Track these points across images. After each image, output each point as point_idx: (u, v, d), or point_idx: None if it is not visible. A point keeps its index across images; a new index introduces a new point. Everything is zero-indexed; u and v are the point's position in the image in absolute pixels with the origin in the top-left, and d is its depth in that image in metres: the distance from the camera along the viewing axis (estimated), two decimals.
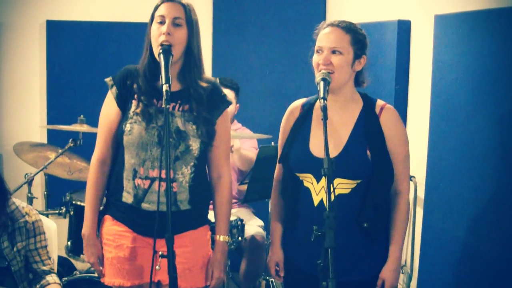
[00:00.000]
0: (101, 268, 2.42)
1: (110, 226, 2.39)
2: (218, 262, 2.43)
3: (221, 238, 2.44)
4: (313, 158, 2.29)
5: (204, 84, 2.35)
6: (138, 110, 2.30)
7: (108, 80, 2.39)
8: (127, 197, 2.34)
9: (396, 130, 2.34)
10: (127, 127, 2.30)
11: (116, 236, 2.36)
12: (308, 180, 2.32)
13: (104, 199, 2.46)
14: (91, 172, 2.40)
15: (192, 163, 2.33)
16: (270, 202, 2.57)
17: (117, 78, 2.37)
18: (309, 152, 2.32)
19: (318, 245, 2.00)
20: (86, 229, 2.40)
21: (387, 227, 2.37)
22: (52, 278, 2.61)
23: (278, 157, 2.48)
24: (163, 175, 2.22)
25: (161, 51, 2.21)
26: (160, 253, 2.11)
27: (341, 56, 2.26)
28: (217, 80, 2.48)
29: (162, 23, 2.26)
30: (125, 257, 2.34)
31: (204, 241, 2.44)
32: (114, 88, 2.36)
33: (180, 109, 2.34)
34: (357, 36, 2.30)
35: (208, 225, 2.48)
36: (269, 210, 2.57)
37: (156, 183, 2.29)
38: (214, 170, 2.44)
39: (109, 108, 2.38)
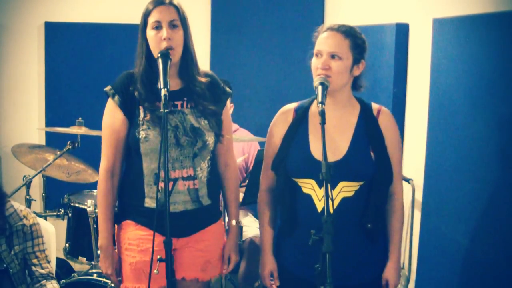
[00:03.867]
0: (118, 278, 2.43)
1: (133, 231, 2.38)
2: (235, 246, 2.53)
3: (234, 222, 2.54)
4: (315, 163, 2.27)
5: (203, 79, 2.38)
6: (147, 118, 2.31)
7: (108, 89, 2.37)
8: (150, 203, 2.34)
9: (393, 132, 2.38)
10: (142, 134, 2.30)
11: (140, 240, 2.36)
12: (308, 186, 2.31)
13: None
14: (101, 183, 2.39)
15: (208, 157, 2.40)
16: (258, 210, 2.55)
17: (118, 86, 2.36)
18: (311, 157, 2.31)
19: (319, 251, 2.00)
20: (104, 240, 2.39)
21: (385, 228, 2.41)
22: (52, 286, 2.60)
23: (267, 164, 2.46)
24: (185, 174, 2.33)
25: (159, 55, 2.22)
26: (158, 257, 2.11)
27: (341, 61, 2.25)
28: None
29: (158, 28, 2.27)
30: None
31: (222, 233, 2.54)
32: (117, 97, 2.34)
33: (188, 106, 2.36)
34: (357, 41, 2.29)
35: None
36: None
37: (179, 183, 2.34)
38: (221, 161, 2.50)
39: (114, 117, 2.36)
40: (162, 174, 2.28)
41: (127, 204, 2.42)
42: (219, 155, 2.49)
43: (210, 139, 2.36)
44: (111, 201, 2.40)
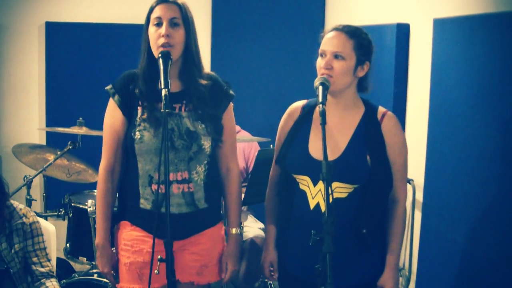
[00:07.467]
0: (113, 278, 2.43)
1: (129, 231, 2.38)
2: (233, 254, 2.48)
3: (234, 230, 2.50)
4: (312, 161, 2.29)
5: (204, 82, 2.36)
6: (144, 117, 2.31)
7: (109, 88, 2.38)
8: (145, 204, 2.34)
9: (396, 138, 2.34)
10: (137, 135, 2.30)
11: (135, 241, 2.36)
12: (304, 183, 2.32)
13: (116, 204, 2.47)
14: (100, 182, 2.40)
15: (205, 161, 2.36)
16: (265, 202, 2.56)
17: (118, 85, 2.36)
18: (308, 154, 2.32)
19: (311, 250, 2.00)
20: (100, 239, 2.40)
21: (383, 234, 2.37)
22: (52, 284, 2.60)
23: (275, 157, 2.48)
24: (179, 177, 2.30)
25: (160, 55, 2.22)
26: (159, 257, 2.11)
27: (343, 61, 2.25)
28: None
29: (159, 24, 2.26)
30: (144, 262, 2.34)
31: (220, 237, 2.50)
32: (117, 96, 2.35)
33: (186, 109, 2.34)
34: (361, 42, 2.29)
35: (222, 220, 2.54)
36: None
37: (173, 186, 2.31)
38: (223, 165, 2.47)
39: (114, 117, 2.36)
40: (156, 176, 2.30)
41: (124, 204, 2.42)
42: (220, 159, 2.46)
43: (206, 143, 2.33)
44: (109, 200, 2.40)
